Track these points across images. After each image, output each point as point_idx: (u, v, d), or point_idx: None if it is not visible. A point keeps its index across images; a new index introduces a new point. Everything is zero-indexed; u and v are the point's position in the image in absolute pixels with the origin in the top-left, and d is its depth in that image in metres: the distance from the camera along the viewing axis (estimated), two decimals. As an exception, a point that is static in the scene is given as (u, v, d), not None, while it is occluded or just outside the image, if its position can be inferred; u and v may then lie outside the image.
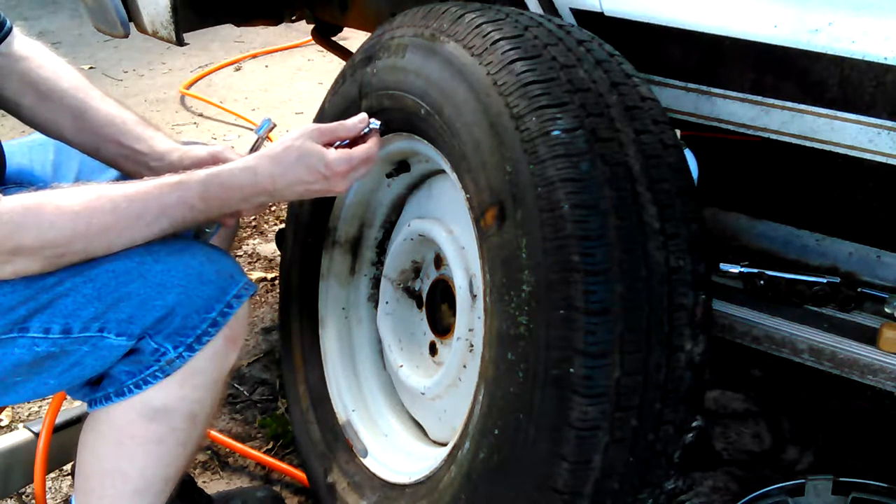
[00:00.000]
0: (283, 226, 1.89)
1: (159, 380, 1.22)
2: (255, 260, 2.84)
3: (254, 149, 1.45)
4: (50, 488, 1.88)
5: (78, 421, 1.64)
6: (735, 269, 1.48)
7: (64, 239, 1.15)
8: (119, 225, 1.18)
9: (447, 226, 1.49)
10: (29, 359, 1.19)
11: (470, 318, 1.41)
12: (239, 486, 1.87)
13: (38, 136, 1.52)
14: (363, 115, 1.32)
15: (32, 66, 1.40)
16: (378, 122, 1.32)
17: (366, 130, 1.31)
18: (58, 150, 1.50)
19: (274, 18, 2.23)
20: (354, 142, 1.31)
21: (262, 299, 2.60)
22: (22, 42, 1.41)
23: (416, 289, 1.65)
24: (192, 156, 1.41)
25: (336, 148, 1.28)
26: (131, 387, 1.23)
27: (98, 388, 1.26)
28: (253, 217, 3.06)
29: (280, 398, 2.16)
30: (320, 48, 2.87)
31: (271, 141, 1.38)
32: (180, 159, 1.40)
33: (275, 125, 1.49)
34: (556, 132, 1.12)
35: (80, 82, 1.43)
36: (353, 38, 2.89)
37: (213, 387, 1.28)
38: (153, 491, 1.30)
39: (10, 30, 1.40)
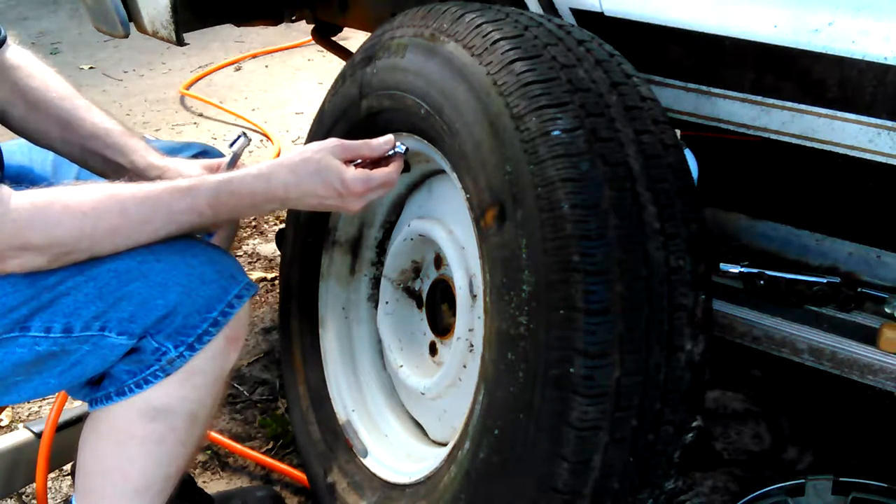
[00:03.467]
0: (283, 226, 1.90)
1: (160, 379, 1.22)
2: (255, 260, 2.84)
3: (231, 165, 1.44)
4: (50, 488, 1.88)
5: (78, 421, 1.64)
6: (735, 269, 1.48)
7: (71, 238, 1.15)
8: (126, 228, 1.18)
9: (447, 226, 1.49)
10: (30, 358, 1.19)
11: (470, 318, 1.41)
12: (239, 486, 1.88)
13: None
14: (389, 137, 1.30)
15: (22, 75, 1.40)
16: (404, 147, 1.29)
17: (390, 153, 1.29)
18: None
19: (274, 18, 2.23)
20: (377, 163, 1.29)
21: (262, 299, 2.60)
22: (14, 51, 1.41)
23: (416, 289, 1.65)
24: (171, 176, 1.40)
25: (357, 166, 1.26)
26: (132, 386, 1.23)
27: (99, 387, 1.26)
28: (253, 217, 3.06)
29: (280, 398, 2.16)
30: (320, 48, 2.87)
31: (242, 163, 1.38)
32: (160, 178, 1.40)
33: (250, 140, 1.48)
34: (556, 132, 1.12)
35: (67, 92, 1.43)
36: (353, 38, 2.89)
37: (214, 386, 1.28)
38: (153, 490, 1.30)
39: (5, 39, 1.40)
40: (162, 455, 1.28)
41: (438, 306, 1.60)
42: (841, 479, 1.48)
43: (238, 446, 1.97)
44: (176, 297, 1.20)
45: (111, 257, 1.19)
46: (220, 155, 1.60)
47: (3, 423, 2.12)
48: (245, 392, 2.20)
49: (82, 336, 1.19)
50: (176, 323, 1.20)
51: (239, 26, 2.27)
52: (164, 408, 1.24)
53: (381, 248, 1.75)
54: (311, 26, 2.30)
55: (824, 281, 1.43)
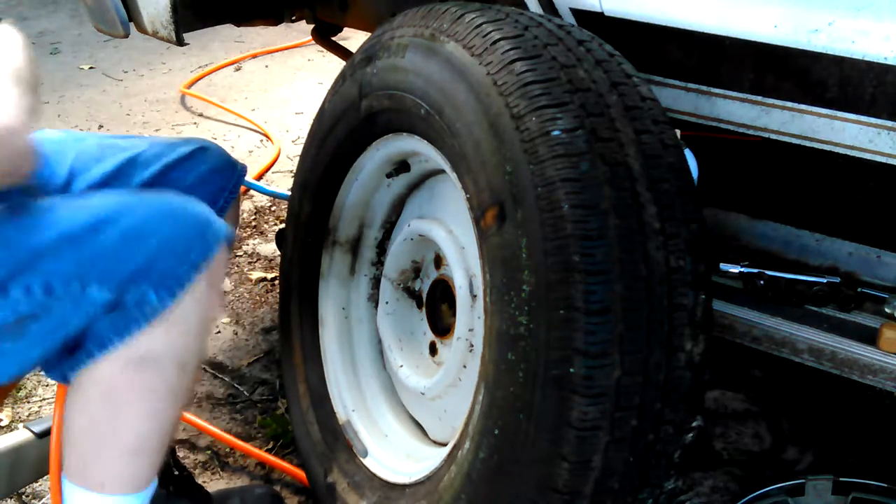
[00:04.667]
0: (283, 226, 1.90)
1: (143, 328, 1.21)
2: (255, 260, 2.84)
3: None
4: (40, 485, 1.88)
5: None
6: (735, 269, 1.48)
7: None
8: None
9: (447, 226, 1.49)
10: (12, 320, 1.18)
11: (470, 318, 1.41)
12: (238, 485, 1.88)
13: (42, 133, 1.52)
14: None
15: None
16: None
17: None
18: (51, 143, 1.49)
19: (274, 18, 2.23)
20: None
21: (262, 299, 2.60)
22: None
23: (416, 289, 1.65)
24: None
25: None
26: (113, 339, 1.21)
27: (79, 350, 1.25)
28: (253, 217, 3.06)
29: (280, 398, 2.16)
30: (320, 48, 2.87)
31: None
32: None
33: None
34: (556, 132, 1.12)
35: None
36: (353, 38, 2.89)
37: (199, 332, 1.28)
38: (148, 449, 1.28)
39: None
40: (154, 408, 1.26)
41: (438, 306, 1.60)
42: (841, 479, 1.48)
43: (240, 443, 1.98)
44: (154, 245, 1.20)
45: (85, 212, 1.19)
46: (219, 151, 1.60)
47: (3, 423, 2.12)
48: (245, 392, 2.20)
49: (63, 294, 1.18)
50: (155, 271, 1.20)
51: (239, 26, 2.27)
52: (152, 356, 1.23)
53: (381, 248, 1.75)
54: (311, 26, 2.30)
55: (824, 281, 1.44)
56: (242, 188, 1.64)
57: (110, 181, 1.46)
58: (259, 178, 3.31)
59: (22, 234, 1.18)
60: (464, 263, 1.43)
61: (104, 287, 1.19)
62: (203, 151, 1.58)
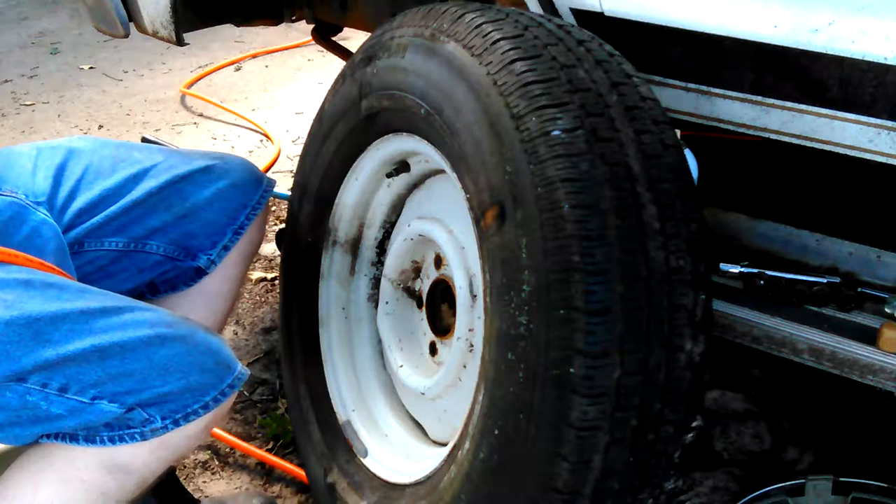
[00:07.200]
0: (283, 226, 1.90)
1: (136, 441, 1.24)
2: (255, 260, 2.84)
3: None
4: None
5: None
6: (735, 269, 1.48)
7: None
8: None
9: (447, 226, 1.49)
10: (16, 404, 1.20)
11: (470, 318, 1.41)
12: (233, 493, 1.87)
13: (59, 140, 1.52)
14: None
15: None
16: None
17: None
18: (69, 153, 1.50)
19: (274, 18, 2.23)
20: None
21: (262, 299, 2.60)
22: None
23: (416, 289, 1.65)
24: None
25: None
26: (105, 439, 1.24)
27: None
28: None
29: (280, 398, 2.16)
30: (320, 48, 2.87)
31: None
32: None
33: None
34: (556, 132, 1.12)
35: None
36: (353, 38, 2.89)
37: (172, 461, 1.32)
38: None
39: None
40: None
41: (438, 306, 1.60)
42: (841, 479, 1.48)
43: (240, 442, 1.98)
44: (174, 383, 1.23)
45: (120, 332, 1.21)
46: (242, 166, 1.58)
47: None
48: (245, 392, 2.20)
49: (74, 398, 1.20)
50: (169, 403, 1.24)
51: (239, 26, 2.27)
52: (126, 466, 1.26)
53: (381, 248, 1.75)
54: (311, 26, 2.30)
55: (824, 281, 1.43)
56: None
57: (109, 197, 1.47)
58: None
59: (54, 330, 1.19)
60: (464, 263, 1.43)
61: (115, 403, 1.22)
62: (223, 166, 1.57)
